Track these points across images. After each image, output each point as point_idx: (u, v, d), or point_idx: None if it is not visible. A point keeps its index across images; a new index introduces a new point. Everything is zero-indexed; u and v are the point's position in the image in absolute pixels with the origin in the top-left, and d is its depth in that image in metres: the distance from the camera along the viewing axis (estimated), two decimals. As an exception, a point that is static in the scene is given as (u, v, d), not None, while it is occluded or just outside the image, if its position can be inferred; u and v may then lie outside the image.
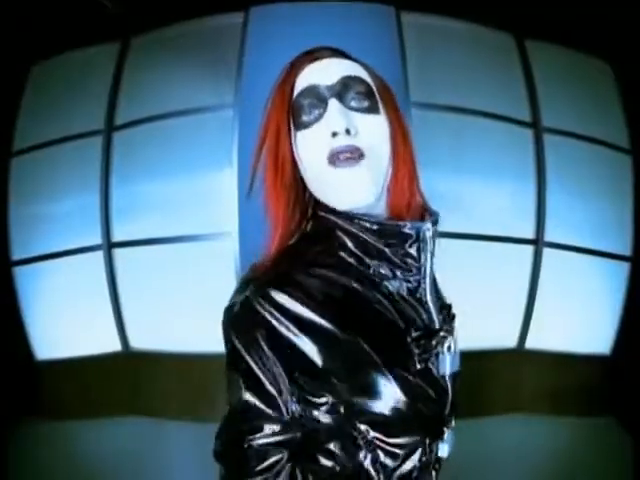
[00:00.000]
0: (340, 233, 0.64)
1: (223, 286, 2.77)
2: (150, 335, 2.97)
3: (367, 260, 0.64)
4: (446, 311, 0.70)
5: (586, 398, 2.87)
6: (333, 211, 0.64)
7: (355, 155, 0.60)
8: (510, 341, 2.93)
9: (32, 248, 3.02)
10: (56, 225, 2.99)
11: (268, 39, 2.69)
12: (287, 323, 0.58)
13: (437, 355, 0.64)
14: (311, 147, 0.62)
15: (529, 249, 2.91)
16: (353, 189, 0.61)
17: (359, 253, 0.64)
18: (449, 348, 0.65)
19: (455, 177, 2.69)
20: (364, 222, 0.62)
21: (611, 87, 3.11)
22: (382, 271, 0.64)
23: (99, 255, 2.95)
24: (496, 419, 2.67)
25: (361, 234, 0.63)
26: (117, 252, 2.97)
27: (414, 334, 0.62)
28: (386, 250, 0.63)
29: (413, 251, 0.64)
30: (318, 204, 0.67)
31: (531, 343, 2.94)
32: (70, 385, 2.96)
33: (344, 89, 0.62)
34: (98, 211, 2.95)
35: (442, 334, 0.65)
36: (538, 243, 2.90)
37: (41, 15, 2.79)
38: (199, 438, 2.58)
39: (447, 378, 0.64)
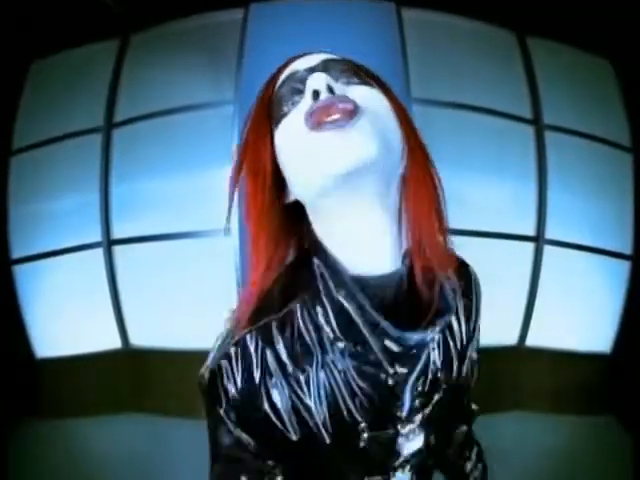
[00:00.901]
0: (323, 293, 0.52)
1: (223, 283, 2.78)
2: (150, 332, 2.97)
3: (342, 340, 0.53)
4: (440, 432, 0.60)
5: (586, 396, 2.86)
6: (324, 257, 0.53)
7: (346, 110, 0.47)
8: (510, 339, 2.93)
9: (32, 246, 3.02)
10: (56, 223, 2.98)
11: (268, 35, 2.68)
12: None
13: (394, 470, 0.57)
14: (289, 131, 0.51)
15: (530, 246, 2.90)
16: (346, 148, 0.47)
17: (335, 329, 0.52)
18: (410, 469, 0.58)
19: (456, 174, 2.67)
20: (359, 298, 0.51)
21: (612, 85, 3.10)
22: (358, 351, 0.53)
23: (99, 253, 2.95)
24: (496, 417, 2.65)
25: (347, 304, 0.51)
26: (117, 249, 2.96)
27: (367, 434, 0.55)
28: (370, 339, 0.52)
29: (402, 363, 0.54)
30: (309, 234, 0.56)
31: (531, 341, 2.93)
32: (70, 383, 2.96)
33: (327, 67, 0.53)
34: (98, 209, 2.94)
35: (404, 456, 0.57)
36: (539, 240, 2.89)
37: (40, 13, 2.78)
38: (199, 436, 2.60)
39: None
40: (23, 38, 2.99)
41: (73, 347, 2.99)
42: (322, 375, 0.53)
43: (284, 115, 0.52)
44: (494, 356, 2.83)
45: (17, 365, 2.97)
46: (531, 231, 2.90)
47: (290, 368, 0.53)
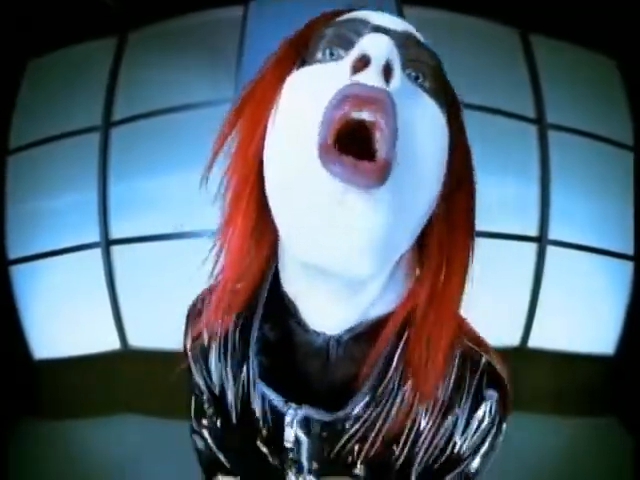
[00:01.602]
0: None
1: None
2: (149, 333, 2.96)
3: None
4: None
5: (588, 398, 2.85)
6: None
7: (374, 167, 0.31)
8: (513, 340, 2.91)
9: (29, 246, 3.00)
10: (53, 223, 2.96)
11: (268, 33, 2.65)
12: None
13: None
14: (298, 99, 0.36)
15: (532, 247, 2.88)
16: (346, 234, 0.33)
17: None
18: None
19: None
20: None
21: (616, 84, 3.07)
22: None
23: (97, 253, 2.93)
24: (498, 418, 2.65)
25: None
26: (115, 249, 2.94)
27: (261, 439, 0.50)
28: None
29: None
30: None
31: (534, 342, 2.92)
32: (69, 384, 2.94)
33: (405, 44, 0.38)
34: (96, 208, 2.92)
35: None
36: (542, 241, 2.88)
37: (37, 11, 2.76)
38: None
39: None
40: (20, 36, 2.96)
41: (71, 348, 2.97)
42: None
43: (313, 61, 0.39)
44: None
45: (15, 366, 2.95)
46: (534, 231, 2.88)
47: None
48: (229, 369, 0.52)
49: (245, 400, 0.51)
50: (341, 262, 0.34)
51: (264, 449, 0.50)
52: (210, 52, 2.86)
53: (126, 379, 2.91)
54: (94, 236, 2.93)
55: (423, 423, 0.47)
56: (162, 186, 2.84)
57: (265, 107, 0.40)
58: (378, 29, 0.38)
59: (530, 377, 2.88)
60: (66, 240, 2.95)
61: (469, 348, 0.49)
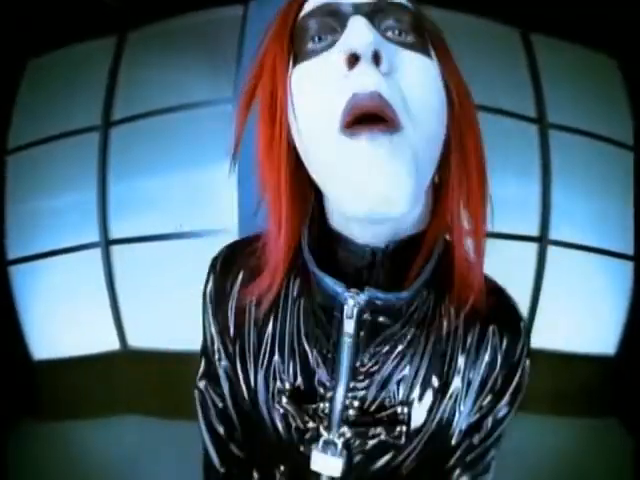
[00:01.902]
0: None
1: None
2: (149, 333, 2.95)
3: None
4: (385, 414, 0.50)
5: (588, 398, 2.85)
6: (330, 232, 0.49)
7: (385, 123, 0.38)
8: (513, 340, 2.90)
9: (29, 246, 2.99)
10: (53, 223, 2.96)
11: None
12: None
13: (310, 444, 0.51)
14: (312, 90, 0.42)
15: (533, 247, 2.88)
16: (378, 184, 0.39)
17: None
18: (328, 447, 0.50)
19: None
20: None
21: (617, 83, 3.07)
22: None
23: (97, 253, 2.92)
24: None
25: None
26: (115, 249, 2.94)
27: (285, 395, 0.52)
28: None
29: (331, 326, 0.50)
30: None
31: (534, 342, 2.90)
32: (68, 384, 2.93)
33: (378, 10, 0.42)
34: (95, 208, 2.92)
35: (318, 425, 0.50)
36: (542, 241, 2.87)
37: (37, 10, 2.75)
38: (198, 438, 2.59)
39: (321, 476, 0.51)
40: (20, 36, 2.95)
41: (70, 348, 2.97)
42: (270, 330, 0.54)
43: (309, 54, 0.42)
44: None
45: (14, 366, 2.95)
46: (535, 231, 2.88)
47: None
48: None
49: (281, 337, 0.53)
50: (384, 207, 0.39)
51: (290, 407, 0.51)
52: (210, 52, 2.85)
53: (125, 379, 2.91)
54: (94, 236, 2.93)
55: (461, 360, 0.53)
56: (162, 186, 2.84)
57: (276, 97, 0.45)
58: (354, 7, 0.42)
59: (530, 377, 2.88)
60: (66, 240, 2.94)
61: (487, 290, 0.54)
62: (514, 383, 0.57)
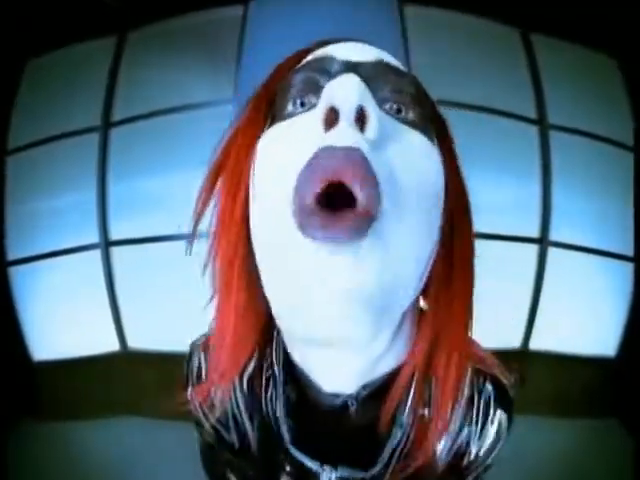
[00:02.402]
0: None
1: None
2: (149, 335, 2.95)
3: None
4: None
5: (589, 400, 2.84)
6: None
7: (361, 192, 0.28)
8: (514, 342, 2.90)
9: (28, 247, 2.98)
10: (53, 224, 2.95)
11: (268, 32, 2.65)
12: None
13: None
14: (273, 158, 0.34)
15: (534, 248, 2.87)
16: (337, 300, 0.30)
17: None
18: None
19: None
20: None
21: (618, 83, 3.06)
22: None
23: (96, 254, 2.92)
24: (499, 420, 2.64)
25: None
26: (115, 251, 2.93)
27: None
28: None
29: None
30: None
31: (535, 344, 2.91)
32: (68, 385, 2.93)
33: (377, 75, 0.35)
34: (95, 209, 2.91)
35: None
36: (543, 242, 2.86)
37: (36, 10, 2.75)
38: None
39: None
40: (19, 36, 2.95)
41: (70, 349, 2.96)
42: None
43: (285, 116, 0.36)
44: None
45: (14, 367, 2.94)
46: (535, 233, 2.87)
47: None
48: (247, 421, 0.53)
49: (269, 452, 0.51)
50: (339, 331, 0.31)
51: None
52: (210, 52, 2.85)
53: (125, 381, 2.90)
54: (94, 237, 2.92)
55: (439, 446, 0.49)
56: (162, 187, 2.83)
57: (241, 172, 0.39)
58: (347, 65, 0.35)
59: (531, 379, 2.87)
60: (66, 241, 2.93)
61: (475, 370, 0.50)
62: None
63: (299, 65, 0.38)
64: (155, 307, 2.88)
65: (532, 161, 2.87)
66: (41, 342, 3.03)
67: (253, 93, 0.42)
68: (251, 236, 0.38)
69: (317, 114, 0.32)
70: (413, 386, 0.43)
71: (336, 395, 0.42)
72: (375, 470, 0.44)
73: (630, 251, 2.94)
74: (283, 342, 0.45)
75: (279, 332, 0.45)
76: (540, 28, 2.95)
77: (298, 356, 0.43)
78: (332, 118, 0.30)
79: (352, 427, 0.44)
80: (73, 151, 2.95)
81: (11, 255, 3.03)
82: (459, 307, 0.40)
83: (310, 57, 0.39)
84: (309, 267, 0.30)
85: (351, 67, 0.35)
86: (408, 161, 0.32)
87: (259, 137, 0.38)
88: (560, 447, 2.52)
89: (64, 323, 2.96)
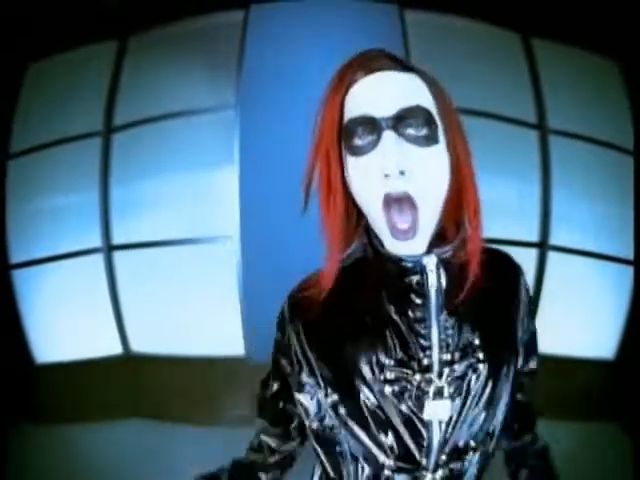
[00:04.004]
0: (373, 269, 0.64)
1: (224, 289, 2.75)
2: (151, 338, 2.95)
3: (383, 293, 0.64)
4: (474, 359, 0.63)
5: (589, 403, 2.84)
6: (377, 248, 0.64)
7: (406, 205, 0.57)
8: (514, 345, 2.90)
9: (31, 250, 2.99)
10: (55, 228, 2.96)
11: (269, 38, 2.66)
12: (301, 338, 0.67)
13: (420, 396, 0.61)
14: (364, 178, 0.59)
15: (533, 252, 2.88)
16: (404, 239, 0.58)
17: (381, 288, 0.64)
18: (438, 394, 0.61)
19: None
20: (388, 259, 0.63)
21: (618, 87, 3.07)
22: (389, 303, 0.64)
23: (99, 258, 2.93)
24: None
25: (387, 267, 0.63)
26: (117, 255, 2.94)
27: (383, 361, 0.61)
28: (391, 282, 0.63)
29: (414, 285, 0.62)
30: (368, 232, 0.66)
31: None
32: (70, 388, 2.94)
33: (400, 120, 0.57)
34: (98, 214, 2.92)
35: (427, 376, 0.61)
36: (543, 246, 2.87)
37: (38, 15, 2.76)
38: (200, 441, 2.58)
39: (431, 424, 0.61)
40: (21, 40, 2.95)
41: (73, 352, 2.97)
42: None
43: (357, 151, 0.58)
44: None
45: (17, 370, 2.95)
46: (535, 237, 2.88)
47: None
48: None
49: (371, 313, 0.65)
50: (406, 247, 0.60)
51: (397, 373, 0.61)
52: (211, 57, 2.85)
53: (127, 384, 2.91)
54: (96, 241, 2.93)
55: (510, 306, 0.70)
56: (164, 191, 2.84)
57: (333, 164, 0.61)
58: (384, 122, 0.57)
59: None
60: (68, 245, 2.94)
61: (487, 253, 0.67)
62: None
63: (351, 116, 0.59)
64: (158, 311, 2.88)
65: (532, 166, 2.87)
66: (43, 345, 3.04)
67: (319, 112, 0.61)
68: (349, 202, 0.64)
69: (380, 170, 0.56)
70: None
71: (416, 260, 0.62)
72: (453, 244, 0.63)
73: (630, 254, 2.94)
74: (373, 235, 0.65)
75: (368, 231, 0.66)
76: (540, 33, 2.96)
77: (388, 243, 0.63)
78: (387, 176, 0.56)
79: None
80: (75, 155, 2.96)
81: (14, 258, 3.04)
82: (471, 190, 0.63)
83: (355, 110, 0.59)
84: (389, 220, 0.58)
85: (385, 120, 0.57)
86: (425, 172, 0.57)
87: (339, 153, 0.61)
88: (559, 449, 2.51)
89: (66, 326, 2.97)
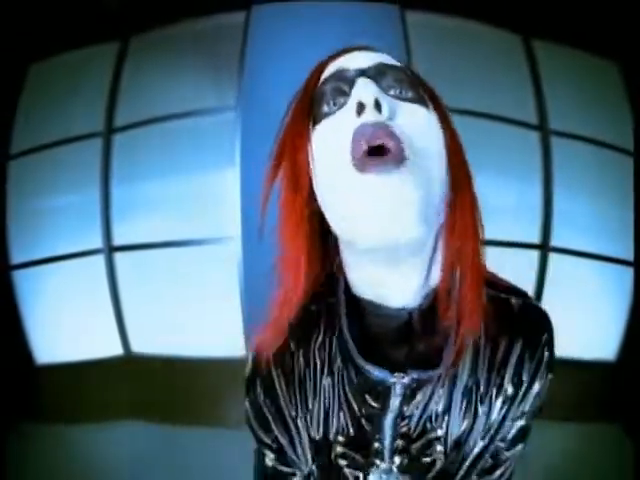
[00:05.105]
0: (343, 315, 0.54)
1: (225, 290, 2.76)
2: (152, 339, 2.95)
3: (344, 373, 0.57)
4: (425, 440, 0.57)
5: (589, 404, 2.84)
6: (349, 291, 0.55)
7: (391, 145, 0.44)
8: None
9: (32, 251, 2.99)
10: (56, 228, 2.96)
11: (270, 39, 2.66)
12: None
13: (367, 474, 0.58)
14: (328, 142, 0.49)
15: (535, 254, 2.87)
16: (388, 210, 0.44)
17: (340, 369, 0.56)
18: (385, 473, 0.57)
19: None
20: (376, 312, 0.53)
21: (619, 89, 3.07)
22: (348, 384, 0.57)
23: (100, 258, 2.93)
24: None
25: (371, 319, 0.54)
26: (118, 256, 2.94)
27: (340, 444, 0.58)
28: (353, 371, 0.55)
29: (373, 400, 0.55)
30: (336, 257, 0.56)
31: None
32: (71, 389, 2.94)
33: (380, 74, 0.50)
34: (99, 215, 2.92)
35: (375, 461, 0.56)
36: (544, 248, 2.87)
37: (39, 15, 2.76)
38: (200, 442, 2.58)
39: None
40: (22, 41, 2.96)
41: (73, 353, 2.97)
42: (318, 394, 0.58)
43: (325, 115, 0.50)
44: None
45: (17, 371, 2.96)
46: (536, 238, 2.88)
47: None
48: (315, 375, 0.59)
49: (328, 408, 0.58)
50: (396, 228, 0.44)
51: (347, 451, 0.57)
52: (212, 58, 2.86)
53: (128, 385, 2.91)
54: (97, 242, 2.93)
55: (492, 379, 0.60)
56: (165, 192, 2.84)
57: (301, 152, 0.52)
58: (359, 72, 0.50)
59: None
60: (69, 245, 2.95)
61: (498, 297, 0.60)
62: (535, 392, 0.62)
63: (324, 77, 0.52)
64: (159, 312, 2.88)
65: (533, 167, 2.87)
66: (44, 345, 3.05)
67: (294, 99, 0.54)
68: (312, 201, 0.52)
69: (350, 108, 0.47)
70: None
71: (403, 309, 0.52)
72: (439, 371, 0.52)
73: (630, 256, 2.93)
74: (345, 279, 0.55)
75: (340, 267, 0.56)
76: (541, 34, 2.96)
77: (367, 282, 0.53)
78: (360, 109, 0.46)
79: (414, 336, 0.53)
80: (76, 156, 2.96)
81: (14, 259, 3.04)
82: (470, 217, 0.52)
83: (331, 68, 0.52)
84: (368, 192, 0.44)
85: (362, 73, 0.49)
86: (414, 125, 0.47)
87: (307, 131, 0.51)
88: (560, 452, 2.52)
89: (68, 327, 2.97)
